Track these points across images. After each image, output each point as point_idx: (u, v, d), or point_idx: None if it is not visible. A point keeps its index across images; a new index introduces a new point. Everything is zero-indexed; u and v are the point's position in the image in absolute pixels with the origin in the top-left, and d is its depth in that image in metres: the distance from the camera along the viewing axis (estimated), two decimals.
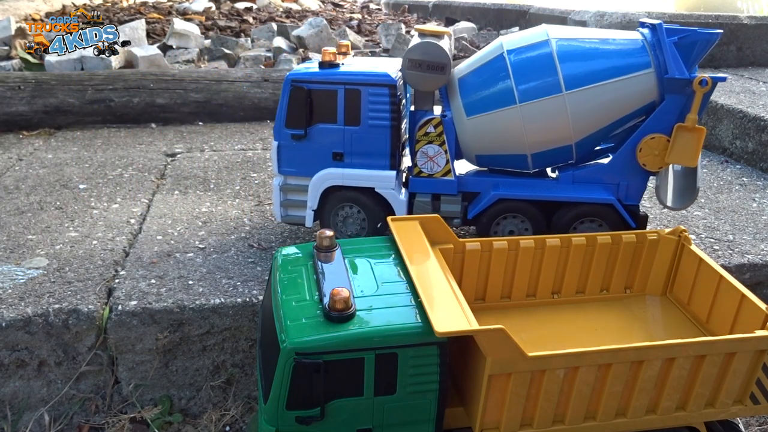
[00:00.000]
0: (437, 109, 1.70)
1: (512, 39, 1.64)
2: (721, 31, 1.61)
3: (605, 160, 1.68)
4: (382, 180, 1.63)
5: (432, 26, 1.70)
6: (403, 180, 1.72)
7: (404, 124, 1.71)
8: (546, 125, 1.57)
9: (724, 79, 1.55)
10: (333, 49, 1.66)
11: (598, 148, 1.73)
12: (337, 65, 1.63)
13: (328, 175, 1.64)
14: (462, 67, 1.69)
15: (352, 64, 1.68)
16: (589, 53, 1.58)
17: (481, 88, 1.61)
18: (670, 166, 1.63)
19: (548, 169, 1.73)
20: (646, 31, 1.60)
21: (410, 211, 1.67)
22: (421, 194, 1.67)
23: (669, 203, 1.64)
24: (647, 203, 2.18)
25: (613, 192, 1.64)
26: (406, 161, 1.74)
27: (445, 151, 1.63)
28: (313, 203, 1.66)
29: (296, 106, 1.59)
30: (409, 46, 1.58)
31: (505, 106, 1.57)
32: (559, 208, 1.65)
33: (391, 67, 1.65)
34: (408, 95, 1.75)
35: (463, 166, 1.75)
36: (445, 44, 1.63)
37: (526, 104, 1.55)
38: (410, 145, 1.67)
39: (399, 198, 1.64)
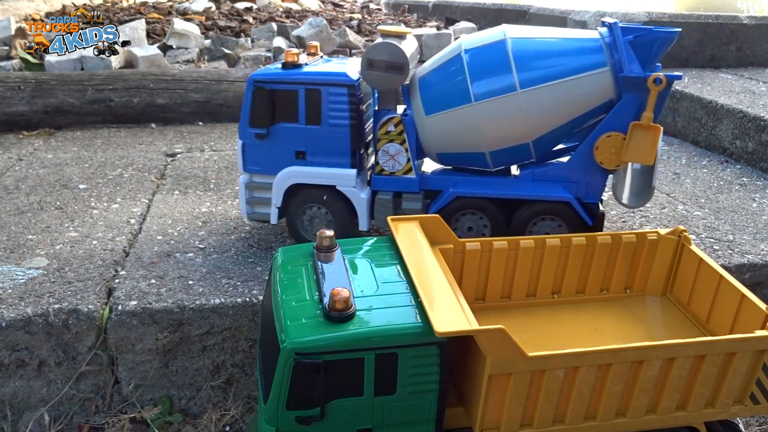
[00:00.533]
0: (402, 109, 1.73)
1: (471, 38, 1.66)
2: (680, 29, 1.60)
3: (565, 159, 1.69)
4: (342, 178, 1.66)
5: (395, 27, 1.74)
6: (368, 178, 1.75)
7: (370, 124, 1.75)
8: (501, 124, 1.58)
9: (679, 77, 1.55)
10: (296, 50, 1.70)
11: (562, 146, 1.74)
12: (300, 66, 1.66)
13: (290, 173, 1.67)
14: (424, 67, 1.71)
15: (315, 65, 1.71)
16: (544, 52, 1.59)
17: (439, 86, 1.63)
18: (630, 165, 1.64)
19: (514, 168, 1.75)
20: (605, 30, 1.60)
21: (372, 209, 1.70)
22: (383, 192, 1.69)
23: (625, 201, 1.64)
24: (647, 203, 2.18)
25: (573, 190, 1.65)
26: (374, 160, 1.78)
27: (406, 150, 1.66)
28: (277, 201, 1.69)
29: (259, 106, 1.63)
30: (369, 47, 1.61)
31: (461, 105, 1.59)
32: (519, 205, 1.66)
33: (354, 67, 1.67)
34: (376, 95, 1.77)
35: (430, 165, 1.78)
36: (408, 45, 1.66)
37: (482, 103, 1.57)
38: (373, 143, 1.70)
39: (360, 196, 1.67)
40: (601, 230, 1.67)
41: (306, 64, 1.69)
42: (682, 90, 3.11)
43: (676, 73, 1.55)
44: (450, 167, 1.76)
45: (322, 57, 1.83)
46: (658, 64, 1.64)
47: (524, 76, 1.55)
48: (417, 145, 1.68)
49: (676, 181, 2.43)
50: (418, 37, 4.19)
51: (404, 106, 1.71)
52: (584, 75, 1.56)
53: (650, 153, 1.55)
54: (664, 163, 2.67)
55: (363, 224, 1.70)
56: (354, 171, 1.65)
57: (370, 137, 1.76)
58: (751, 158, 2.66)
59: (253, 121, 1.65)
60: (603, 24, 1.63)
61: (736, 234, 1.94)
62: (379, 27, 1.75)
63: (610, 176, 1.67)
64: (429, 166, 1.79)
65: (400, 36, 1.66)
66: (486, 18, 5.28)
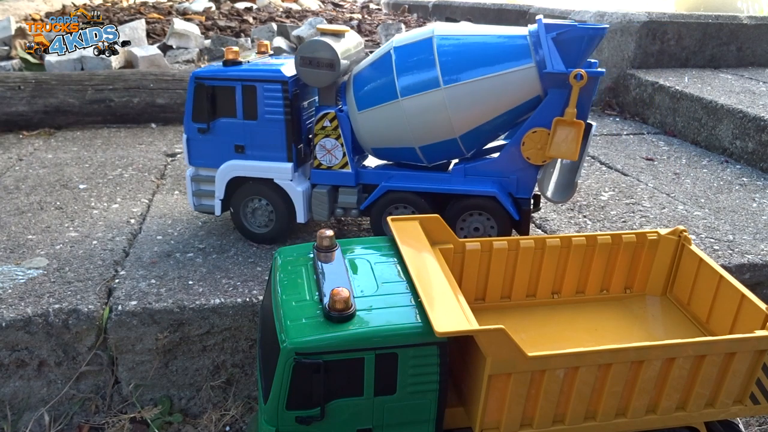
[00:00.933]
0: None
1: (403, 36, 1.69)
2: (607, 26, 1.61)
3: (497, 155, 1.72)
4: (279, 171, 1.72)
5: (333, 26, 1.78)
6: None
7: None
8: (426, 119, 1.61)
9: (601, 73, 1.55)
10: (236, 48, 1.76)
11: (502, 142, 1.76)
12: (239, 63, 1.72)
13: (231, 166, 1.74)
14: (360, 64, 1.75)
15: (255, 63, 1.76)
16: (470, 49, 1.60)
17: (370, 83, 1.67)
18: (558, 160, 1.66)
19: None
20: (534, 27, 1.61)
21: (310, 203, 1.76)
22: (320, 185, 1.74)
23: (549, 195, 1.65)
24: (647, 203, 2.18)
25: (503, 185, 1.67)
26: None
27: (342, 144, 1.71)
28: (219, 193, 1.76)
29: (200, 102, 1.70)
30: (301, 45, 1.66)
31: (389, 101, 1.62)
32: (450, 200, 1.70)
33: (291, 65, 1.71)
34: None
35: (375, 160, 1.82)
36: (345, 43, 1.70)
37: (407, 99, 1.60)
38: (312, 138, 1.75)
39: (296, 189, 1.72)
40: (528, 226, 1.70)
41: (248, 62, 1.75)
42: (682, 90, 3.11)
43: (598, 69, 1.56)
44: (392, 162, 1.80)
45: (271, 55, 1.90)
46: (594, 60, 1.66)
47: (448, 72, 1.57)
48: (353, 140, 1.72)
49: (676, 181, 2.43)
50: None
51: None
52: (508, 71, 1.57)
53: (574, 149, 1.55)
54: (664, 163, 2.67)
55: (300, 217, 1.75)
56: (290, 165, 1.71)
57: None
58: (751, 158, 2.66)
59: (195, 116, 1.72)
60: (536, 22, 1.64)
61: (736, 234, 1.94)
62: (318, 26, 1.79)
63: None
64: (373, 161, 1.83)
65: (338, 34, 1.71)
66: (486, 18, 5.28)
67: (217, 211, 1.79)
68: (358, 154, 1.79)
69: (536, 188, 1.70)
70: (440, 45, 1.59)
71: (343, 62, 1.66)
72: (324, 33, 1.70)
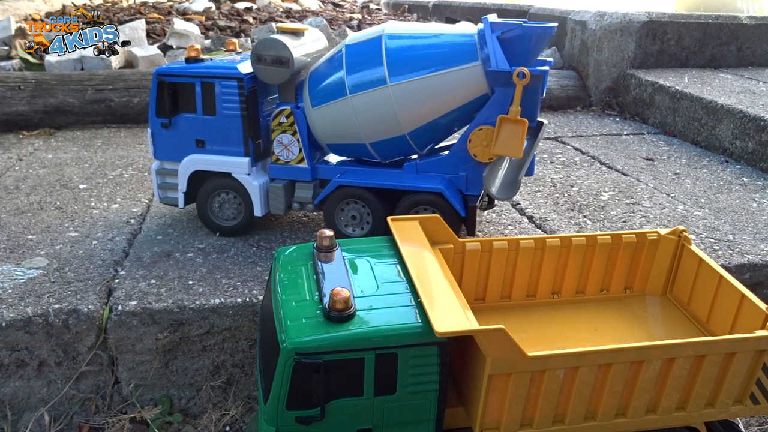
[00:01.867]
0: None
1: (356, 34, 1.72)
2: (556, 24, 1.62)
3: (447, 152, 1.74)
4: (237, 166, 1.77)
5: (293, 24, 1.82)
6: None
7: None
8: (374, 116, 1.63)
9: (545, 72, 1.56)
10: (198, 46, 1.83)
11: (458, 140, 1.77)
12: (201, 60, 1.78)
13: (191, 160, 1.79)
14: (319, 61, 1.77)
15: (216, 61, 1.80)
16: (417, 47, 1.63)
17: (322, 80, 1.70)
18: (506, 158, 1.67)
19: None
20: (482, 26, 1.62)
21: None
22: (277, 180, 1.79)
23: (493, 191, 1.66)
24: (647, 203, 2.18)
25: (452, 182, 1.69)
26: None
27: (298, 140, 1.74)
28: (182, 186, 1.82)
29: (162, 97, 1.75)
30: (256, 43, 1.69)
31: (338, 98, 1.65)
32: (401, 196, 1.72)
33: (249, 63, 1.74)
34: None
35: (335, 157, 1.86)
36: (303, 40, 1.74)
37: (355, 96, 1.63)
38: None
39: (253, 183, 1.77)
40: (474, 223, 1.72)
41: (210, 59, 1.80)
42: (682, 90, 3.11)
43: (542, 68, 1.57)
44: (352, 159, 1.83)
45: (240, 53, 1.95)
46: (548, 59, 1.67)
47: (394, 70, 1.59)
48: (310, 136, 1.75)
49: (676, 181, 2.43)
50: None
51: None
52: (454, 69, 1.59)
53: (518, 147, 1.56)
54: (664, 163, 2.67)
55: (257, 210, 1.79)
56: (247, 159, 1.75)
57: None
58: (751, 158, 2.66)
59: (158, 111, 1.77)
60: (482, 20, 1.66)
61: (736, 234, 1.94)
62: (277, 25, 1.81)
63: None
64: (336, 157, 1.86)
65: (296, 33, 1.75)
66: None
67: (181, 203, 1.84)
68: (318, 150, 1.82)
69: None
70: (388, 44, 1.61)
71: (300, 60, 1.69)
72: (283, 31, 1.74)
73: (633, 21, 3.55)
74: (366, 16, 5.79)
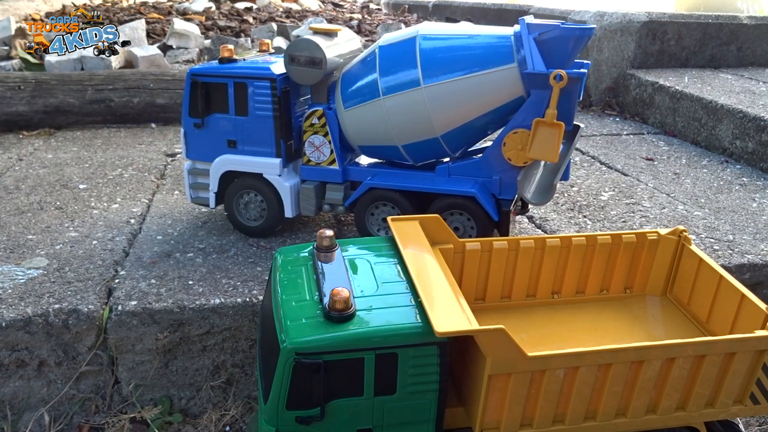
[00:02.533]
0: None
1: (390, 35, 1.70)
2: (595, 26, 1.60)
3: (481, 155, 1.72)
4: (268, 167, 1.76)
5: (327, 25, 1.80)
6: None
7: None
8: (407, 118, 1.62)
9: (583, 75, 1.53)
10: (231, 46, 1.81)
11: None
12: (234, 61, 1.77)
13: (223, 160, 1.79)
14: (351, 63, 1.76)
15: (249, 61, 1.80)
16: (452, 48, 1.61)
17: (356, 81, 1.69)
18: (541, 162, 1.65)
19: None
20: (519, 27, 1.60)
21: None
22: (308, 181, 1.77)
23: (528, 196, 1.64)
24: (647, 203, 2.18)
25: (485, 186, 1.67)
26: None
27: (329, 141, 1.73)
28: (213, 186, 1.82)
29: (194, 97, 1.75)
30: (290, 43, 1.68)
31: (371, 99, 1.64)
32: (432, 199, 1.70)
33: (282, 63, 1.74)
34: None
35: (367, 158, 1.85)
36: (336, 41, 1.73)
37: (388, 97, 1.62)
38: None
39: (284, 184, 1.76)
40: (507, 228, 1.70)
41: (243, 60, 1.79)
42: (682, 90, 3.11)
43: (580, 70, 1.54)
44: (383, 161, 1.82)
45: (271, 53, 1.94)
46: (586, 62, 1.65)
47: (428, 71, 1.57)
48: (342, 138, 1.74)
49: (676, 181, 2.43)
50: None
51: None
52: (489, 71, 1.57)
53: (554, 151, 1.54)
54: (664, 163, 2.67)
55: (288, 211, 1.78)
56: (278, 160, 1.74)
57: None
58: (751, 158, 2.66)
59: (191, 111, 1.77)
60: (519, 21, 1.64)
61: (736, 234, 1.94)
62: (311, 24, 1.79)
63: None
64: (367, 159, 1.85)
65: (330, 33, 1.74)
66: (486, 18, 5.28)
67: (212, 203, 1.84)
68: (349, 152, 1.80)
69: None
70: (423, 45, 1.59)
71: (333, 60, 1.68)
72: (316, 32, 1.73)
73: (633, 21, 3.55)
74: (366, 16, 5.79)
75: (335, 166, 1.74)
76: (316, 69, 1.65)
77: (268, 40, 1.99)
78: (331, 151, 1.73)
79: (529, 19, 1.59)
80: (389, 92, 1.61)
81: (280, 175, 1.75)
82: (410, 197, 1.71)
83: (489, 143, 1.74)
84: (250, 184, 1.79)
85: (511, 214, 1.71)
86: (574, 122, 1.65)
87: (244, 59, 1.81)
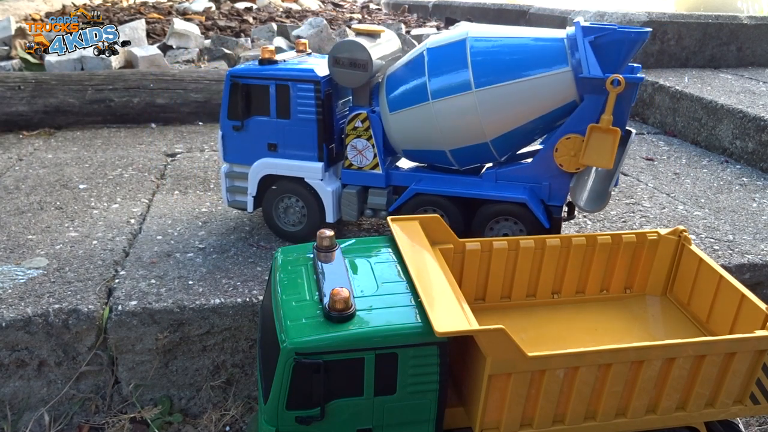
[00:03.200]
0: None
1: (437, 38, 1.67)
2: (650, 30, 1.56)
3: (530, 160, 1.68)
4: (310, 171, 1.72)
5: (368, 26, 1.77)
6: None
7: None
8: (457, 122, 1.58)
9: (641, 79, 1.50)
10: (272, 47, 1.76)
11: (538, 147, 1.71)
12: (275, 62, 1.72)
13: (263, 164, 1.75)
14: (395, 65, 1.73)
15: (290, 62, 1.75)
16: (504, 51, 1.57)
17: (402, 84, 1.65)
18: (593, 168, 1.61)
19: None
20: (572, 30, 1.57)
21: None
22: (350, 186, 1.74)
23: (581, 204, 1.61)
24: (647, 203, 2.18)
25: (534, 192, 1.63)
26: None
27: (373, 145, 1.69)
28: (252, 190, 1.77)
29: (234, 99, 1.71)
30: (335, 45, 1.65)
31: (420, 103, 1.60)
32: (480, 205, 1.67)
33: (325, 65, 1.70)
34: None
35: (408, 162, 1.81)
36: (379, 42, 1.70)
37: (438, 101, 1.58)
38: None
39: (326, 189, 1.72)
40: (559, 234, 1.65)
41: (284, 61, 1.74)
42: (682, 90, 3.11)
43: (638, 75, 1.51)
44: (425, 165, 1.78)
45: (310, 54, 1.89)
46: (637, 65, 1.62)
47: (480, 75, 1.54)
48: (385, 142, 1.70)
49: (676, 181, 2.43)
50: (418, 37, 4.18)
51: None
52: (542, 75, 1.53)
53: (609, 157, 1.50)
54: (664, 163, 2.67)
55: (329, 216, 1.74)
56: (320, 164, 1.70)
57: None
58: (751, 158, 2.66)
59: (230, 114, 1.73)
60: (573, 24, 1.61)
61: (736, 234, 1.94)
62: (354, 26, 1.77)
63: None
64: (407, 162, 1.82)
65: (373, 35, 1.70)
66: (486, 18, 5.28)
67: (250, 207, 1.80)
68: (390, 156, 1.77)
69: (569, 196, 1.65)
70: (473, 47, 1.55)
71: (377, 63, 1.65)
72: (359, 33, 1.69)
73: (633, 21, 3.55)
74: (366, 16, 5.79)
75: (378, 171, 1.70)
76: (360, 71, 1.62)
77: (304, 40, 1.93)
78: (374, 155, 1.70)
79: (583, 21, 1.56)
80: (438, 96, 1.57)
81: (322, 180, 1.71)
82: (456, 202, 1.67)
83: (530, 148, 1.70)
84: (290, 188, 1.74)
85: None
86: (627, 127, 1.60)
87: (284, 60, 1.76)
